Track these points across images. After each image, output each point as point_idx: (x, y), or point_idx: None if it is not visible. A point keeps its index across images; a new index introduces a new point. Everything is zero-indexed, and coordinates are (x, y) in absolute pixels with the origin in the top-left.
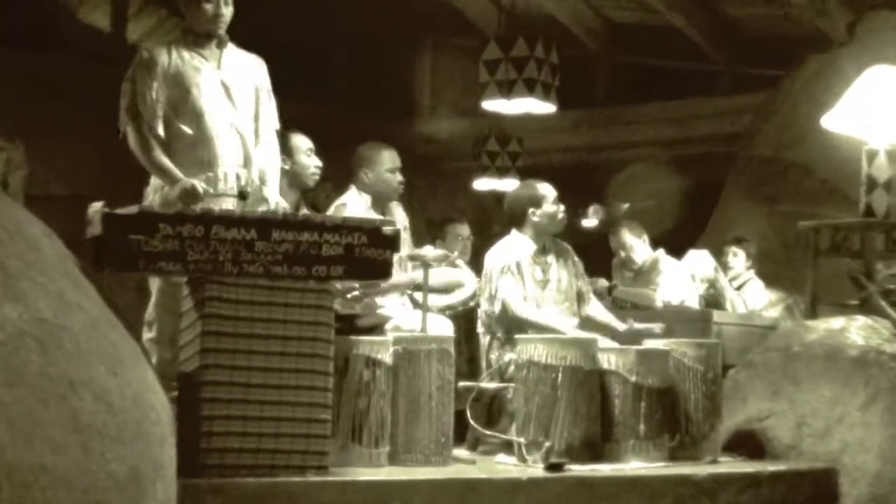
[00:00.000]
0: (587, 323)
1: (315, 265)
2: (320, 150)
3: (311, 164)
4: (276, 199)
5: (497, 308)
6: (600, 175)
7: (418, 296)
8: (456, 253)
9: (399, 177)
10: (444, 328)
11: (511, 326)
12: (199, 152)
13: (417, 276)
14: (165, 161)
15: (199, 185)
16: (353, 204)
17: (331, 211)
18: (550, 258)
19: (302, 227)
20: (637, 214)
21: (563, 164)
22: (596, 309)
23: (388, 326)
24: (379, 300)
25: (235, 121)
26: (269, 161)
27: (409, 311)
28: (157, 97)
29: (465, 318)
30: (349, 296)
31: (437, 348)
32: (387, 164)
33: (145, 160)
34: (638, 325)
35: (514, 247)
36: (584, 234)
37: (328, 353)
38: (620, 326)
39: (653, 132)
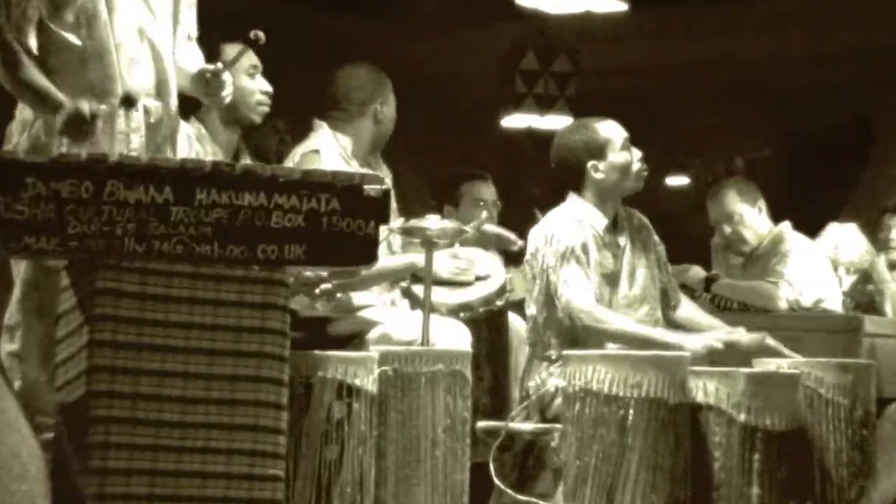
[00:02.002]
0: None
1: (262, 243)
2: (270, 70)
3: (255, 88)
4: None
5: (561, 315)
6: (693, 109)
7: (418, 290)
8: (477, 222)
9: (389, 107)
10: (456, 339)
11: (578, 342)
12: (90, 74)
13: (418, 259)
14: (40, 79)
15: (92, 106)
16: (328, 151)
17: (294, 162)
18: (623, 239)
19: (242, 185)
20: (749, 170)
21: (637, 91)
22: (691, 312)
23: (371, 336)
24: (358, 297)
25: (147, 27)
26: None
27: (403, 312)
28: None
29: (488, 324)
30: (316, 291)
31: (446, 370)
32: (374, 91)
33: (11, 80)
34: (771, 342)
35: (580, 220)
36: (667, 200)
37: (280, 377)
38: (743, 337)
39: (774, 41)
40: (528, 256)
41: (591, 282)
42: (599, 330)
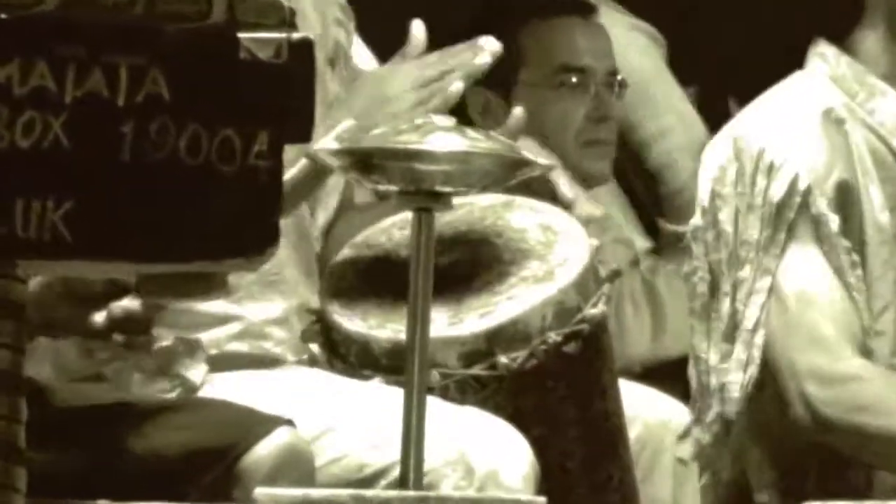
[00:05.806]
0: None
1: None
2: None
3: None
4: None
5: (753, 371)
6: None
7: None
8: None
9: None
10: (497, 457)
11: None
12: None
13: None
14: None
15: None
16: None
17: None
18: None
19: None
20: None
21: None
22: None
23: (259, 457)
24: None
25: None
26: None
27: (340, 388)
28: None
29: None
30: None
31: None
32: None
33: None
34: None
35: (837, 116)
36: None
37: None
38: None
39: None
40: (696, 217)
41: (848, 291)
42: (854, 429)
